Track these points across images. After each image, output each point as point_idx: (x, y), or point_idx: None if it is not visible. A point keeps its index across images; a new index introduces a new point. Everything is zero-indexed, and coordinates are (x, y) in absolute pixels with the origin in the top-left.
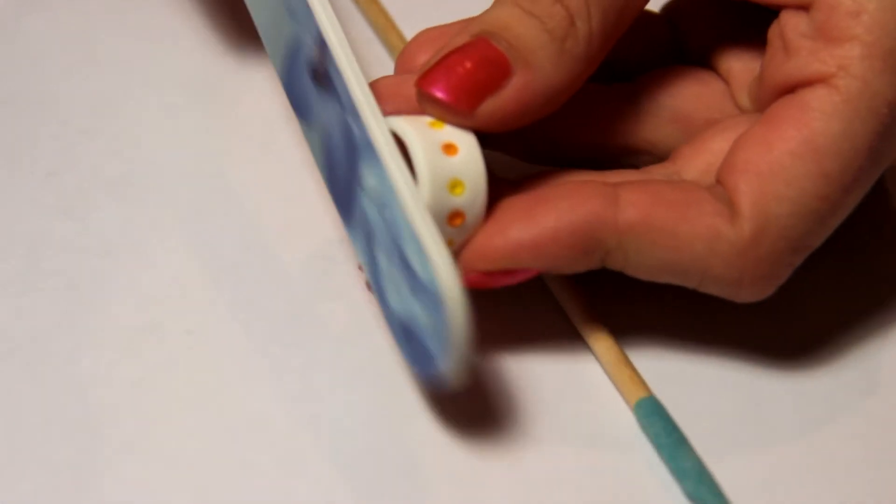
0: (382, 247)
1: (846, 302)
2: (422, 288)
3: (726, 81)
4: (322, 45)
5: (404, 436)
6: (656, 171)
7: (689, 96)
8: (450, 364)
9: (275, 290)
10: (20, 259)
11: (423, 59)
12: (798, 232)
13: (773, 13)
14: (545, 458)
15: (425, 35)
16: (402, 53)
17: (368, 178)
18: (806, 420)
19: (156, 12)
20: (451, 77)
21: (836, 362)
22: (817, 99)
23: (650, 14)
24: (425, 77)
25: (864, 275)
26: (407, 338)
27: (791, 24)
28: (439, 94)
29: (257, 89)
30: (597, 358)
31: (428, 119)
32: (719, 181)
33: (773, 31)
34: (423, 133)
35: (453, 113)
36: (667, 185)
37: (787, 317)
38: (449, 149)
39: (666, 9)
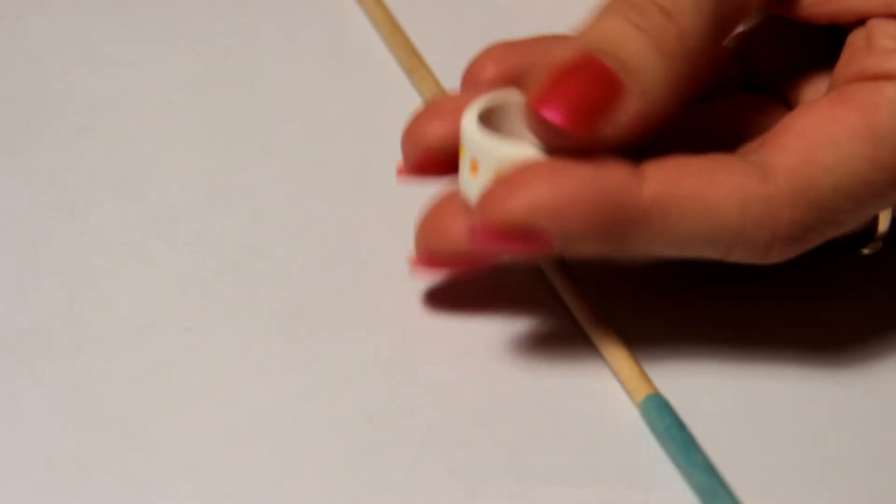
0: None
1: (848, 304)
2: None
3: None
4: None
5: (404, 434)
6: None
7: (748, 125)
8: None
9: (274, 288)
10: (20, 256)
11: (492, 70)
12: (834, 206)
13: (843, 42)
14: (547, 455)
15: (496, 50)
16: (471, 67)
17: None
18: (806, 421)
19: (156, 12)
20: (565, 99)
21: (838, 364)
22: (891, 90)
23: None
24: (539, 99)
25: (865, 276)
26: None
27: (880, 27)
28: (555, 119)
29: (257, 89)
30: (601, 354)
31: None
32: (767, 140)
33: (855, 34)
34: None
35: (568, 137)
36: (691, 156)
37: (788, 318)
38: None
39: (736, 40)
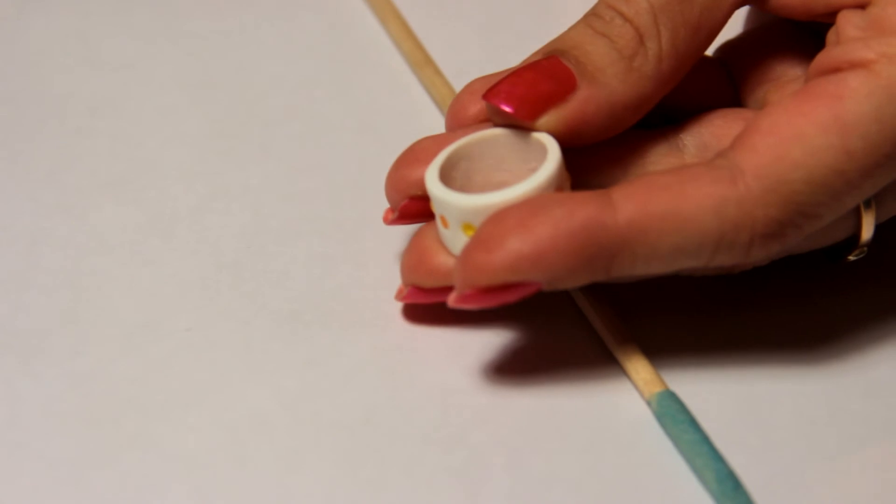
0: None
1: (847, 303)
2: None
3: None
4: None
5: (404, 434)
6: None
7: (732, 137)
8: None
9: (274, 288)
10: (20, 257)
11: (475, 108)
12: (809, 199)
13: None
14: (550, 455)
15: (476, 86)
16: (453, 105)
17: None
18: (806, 421)
19: (156, 12)
20: (515, 89)
21: (837, 364)
22: (854, 80)
23: (703, 57)
24: (491, 90)
25: (864, 276)
26: None
27: (846, 19)
28: (503, 106)
29: (257, 89)
30: (611, 352)
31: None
32: (736, 142)
33: (830, 33)
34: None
35: (515, 122)
36: (656, 173)
37: (788, 318)
38: None
39: (719, 52)
